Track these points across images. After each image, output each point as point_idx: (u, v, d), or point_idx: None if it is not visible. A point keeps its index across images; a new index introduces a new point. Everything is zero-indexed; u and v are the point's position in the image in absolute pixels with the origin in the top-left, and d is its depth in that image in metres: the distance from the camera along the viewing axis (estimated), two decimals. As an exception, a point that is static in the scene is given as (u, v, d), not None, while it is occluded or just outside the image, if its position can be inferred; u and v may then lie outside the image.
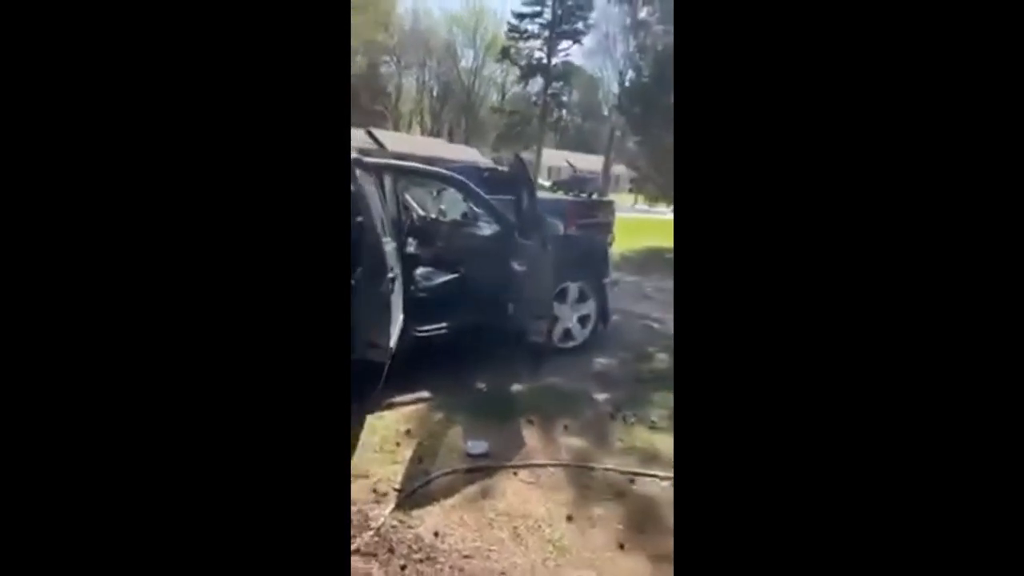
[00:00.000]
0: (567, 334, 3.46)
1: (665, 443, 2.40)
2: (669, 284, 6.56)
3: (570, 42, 29.00)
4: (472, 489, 1.96)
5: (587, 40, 28.75)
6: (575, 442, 2.38)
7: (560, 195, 10.76)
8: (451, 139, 33.43)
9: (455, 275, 3.41)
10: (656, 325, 4.56)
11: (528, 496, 1.95)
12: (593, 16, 27.98)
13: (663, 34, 10.01)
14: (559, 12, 28.19)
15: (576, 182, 16.26)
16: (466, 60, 35.73)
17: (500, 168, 7.87)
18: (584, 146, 37.05)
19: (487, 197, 3.18)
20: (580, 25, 28.60)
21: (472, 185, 3.18)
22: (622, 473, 2.14)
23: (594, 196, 10.75)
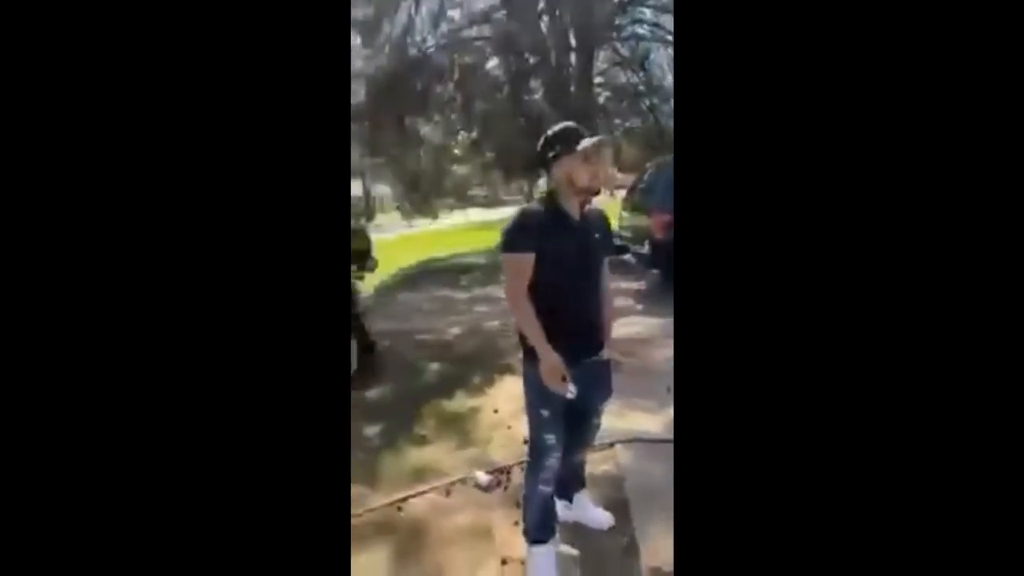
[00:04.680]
0: None
1: (434, 453, 2.64)
2: (443, 291, 7.10)
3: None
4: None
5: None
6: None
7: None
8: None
9: None
10: (427, 336, 4.88)
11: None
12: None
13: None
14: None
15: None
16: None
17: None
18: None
19: None
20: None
21: None
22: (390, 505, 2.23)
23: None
